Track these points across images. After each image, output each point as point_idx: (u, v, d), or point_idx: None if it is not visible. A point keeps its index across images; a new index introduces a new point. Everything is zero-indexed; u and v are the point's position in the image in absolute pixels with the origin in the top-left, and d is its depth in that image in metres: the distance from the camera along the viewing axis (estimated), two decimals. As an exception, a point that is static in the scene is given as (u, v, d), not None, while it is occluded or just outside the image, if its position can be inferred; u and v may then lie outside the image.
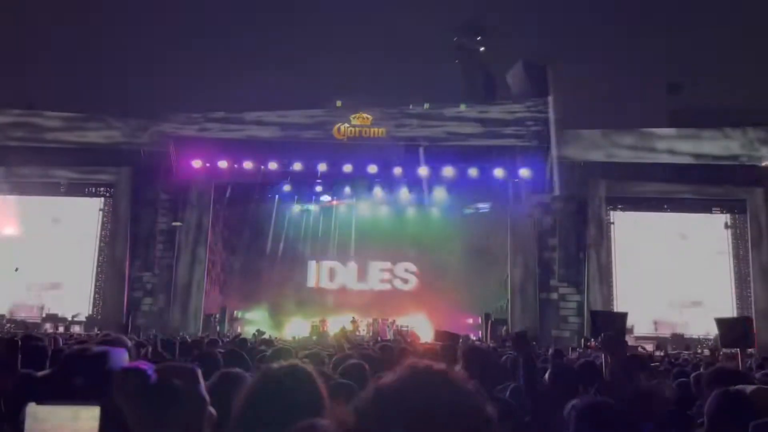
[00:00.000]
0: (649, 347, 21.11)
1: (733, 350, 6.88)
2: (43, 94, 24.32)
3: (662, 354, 11.89)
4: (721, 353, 9.94)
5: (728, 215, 24.18)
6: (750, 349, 15.88)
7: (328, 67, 25.92)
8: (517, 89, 26.68)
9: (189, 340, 12.68)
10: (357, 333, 21.96)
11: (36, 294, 23.61)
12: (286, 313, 22.97)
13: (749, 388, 3.35)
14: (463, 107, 23.90)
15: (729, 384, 3.46)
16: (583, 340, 11.80)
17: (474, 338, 21.44)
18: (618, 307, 23.22)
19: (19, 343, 4.89)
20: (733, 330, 5.99)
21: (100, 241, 24.09)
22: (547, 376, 4.56)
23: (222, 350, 6.27)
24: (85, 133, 23.94)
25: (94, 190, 24.55)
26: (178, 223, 22.37)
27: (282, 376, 1.97)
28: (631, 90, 24.81)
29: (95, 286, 23.79)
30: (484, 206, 24.54)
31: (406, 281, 24.75)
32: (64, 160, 23.57)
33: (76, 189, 24.39)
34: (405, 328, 22.51)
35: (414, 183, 23.65)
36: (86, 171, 23.99)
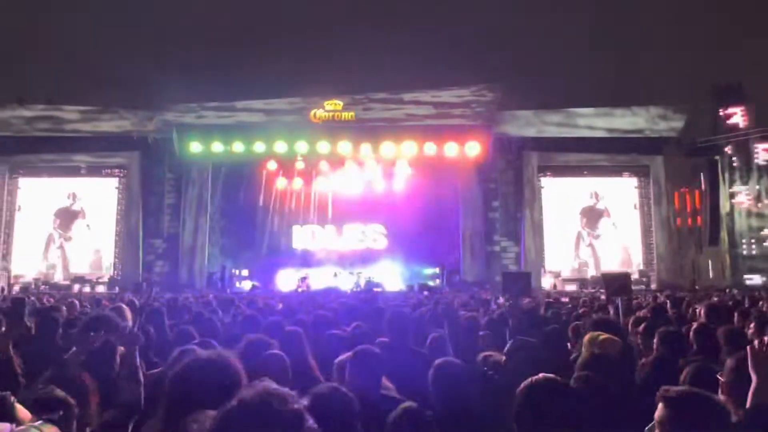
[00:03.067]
0: (574, 287, 21.59)
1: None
2: (61, 90, 23.51)
3: (567, 300, 11.92)
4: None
5: (635, 178, 24.58)
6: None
7: (304, 62, 25.32)
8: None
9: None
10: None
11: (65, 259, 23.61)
12: (276, 270, 22.54)
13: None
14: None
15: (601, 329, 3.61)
16: (493, 298, 11.60)
17: (433, 284, 21.75)
18: (548, 255, 23.77)
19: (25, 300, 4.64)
20: (615, 283, 5.89)
21: (117, 214, 24.03)
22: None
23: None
24: (100, 124, 23.60)
25: (110, 172, 24.43)
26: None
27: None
28: (559, 74, 24.52)
29: (115, 251, 23.87)
30: None
31: (376, 240, 24.32)
32: (83, 147, 23.47)
33: (94, 171, 24.30)
34: (375, 280, 22.35)
35: (380, 159, 23.28)
36: (102, 156, 23.92)
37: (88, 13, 26.95)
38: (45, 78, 25.39)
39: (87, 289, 21.23)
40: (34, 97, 23.69)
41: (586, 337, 3.59)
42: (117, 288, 21.08)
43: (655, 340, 3.84)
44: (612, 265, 22.61)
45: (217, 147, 22.53)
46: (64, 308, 7.80)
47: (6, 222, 23.39)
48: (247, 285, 22.16)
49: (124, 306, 5.20)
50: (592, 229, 24.16)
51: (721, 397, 2.43)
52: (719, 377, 2.51)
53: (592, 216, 24.26)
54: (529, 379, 2.12)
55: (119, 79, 23.37)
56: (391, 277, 22.61)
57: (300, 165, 23.22)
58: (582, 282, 22.21)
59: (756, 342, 2.05)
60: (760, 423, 1.87)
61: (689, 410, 1.86)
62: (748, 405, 1.98)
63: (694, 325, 4.52)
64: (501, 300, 10.43)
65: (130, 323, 4.55)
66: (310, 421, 1.17)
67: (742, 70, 24.26)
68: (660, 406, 1.95)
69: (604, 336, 3.48)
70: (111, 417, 2.52)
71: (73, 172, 23.81)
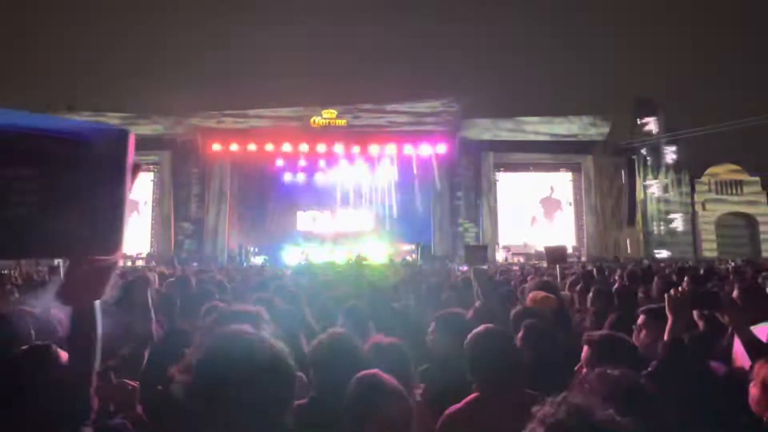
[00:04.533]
0: (521, 258, 21.55)
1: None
2: (105, 99, 22.97)
3: (518, 268, 11.83)
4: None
5: (571, 174, 24.50)
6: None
7: (305, 78, 24.95)
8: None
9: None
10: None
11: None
12: (282, 247, 22.25)
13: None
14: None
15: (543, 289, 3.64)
16: (456, 267, 11.21)
17: (410, 258, 21.74)
18: (501, 234, 23.69)
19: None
20: (555, 253, 5.83)
21: (153, 202, 23.54)
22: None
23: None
24: (137, 128, 22.71)
25: (146, 167, 23.71)
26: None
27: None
28: (511, 89, 24.48)
29: (151, 233, 23.41)
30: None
31: (365, 223, 24.10)
32: None
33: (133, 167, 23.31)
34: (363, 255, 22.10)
35: (367, 157, 22.96)
36: (140, 154, 20.18)
37: (130, 38, 26.25)
38: (92, 88, 24.67)
39: (129, 263, 20.94)
40: (82, 104, 23.19)
41: (530, 295, 3.56)
42: (153, 262, 20.84)
43: (589, 296, 3.87)
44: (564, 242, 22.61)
45: (234, 147, 22.17)
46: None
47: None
48: (258, 259, 21.96)
49: (154, 273, 5.18)
50: (550, 215, 24.09)
51: (635, 339, 2.44)
52: (634, 326, 2.51)
53: (550, 204, 24.21)
54: (476, 330, 2.04)
55: (154, 90, 22.86)
56: (377, 252, 22.50)
57: (302, 162, 22.96)
58: (527, 255, 22.01)
59: (672, 291, 1.98)
60: (675, 353, 1.85)
61: (605, 349, 1.88)
62: (665, 338, 1.93)
63: (616, 285, 4.51)
64: (464, 268, 10.12)
65: (156, 285, 4.51)
66: (276, 344, 1.11)
67: (655, 87, 24.43)
68: (585, 348, 1.97)
69: (542, 294, 3.48)
70: (128, 351, 2.38)
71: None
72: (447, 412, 1.87)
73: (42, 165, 0.77)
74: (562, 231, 23.82)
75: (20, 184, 0.75)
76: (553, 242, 21.78)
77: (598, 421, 0.84)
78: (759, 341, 1.87)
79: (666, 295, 1.97)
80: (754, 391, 1.55)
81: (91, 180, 0.80)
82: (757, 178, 23.98)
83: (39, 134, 0.78)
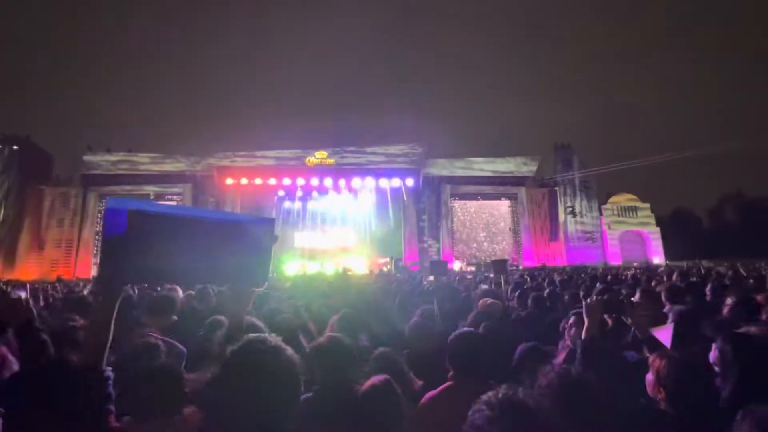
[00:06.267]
0: (473, 268, 21.60)
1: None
2: (137, 142, 22.35)
3: (471, 276, 11.72)
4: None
5: (509, 201, 24.81)
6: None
7: (303, 127, 24.95)
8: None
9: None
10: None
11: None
12: (284, 260, 21.73)
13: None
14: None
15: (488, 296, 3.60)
16: (424, 277, 11.10)
17: (386, 269, 21.58)
18: (456, 249, 23.70)
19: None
20: (499, 265, 5.64)
21: None
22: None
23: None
24: (163, 165, 22.76)
25: (170, 198, 22.81)
26: None
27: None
28: (463, 137, 25.11)
29: None
30: None
31: (350, 240, 23.86)
32: (151, 181, 22.51)
33: (159, 197, 22.81)
34: (348, 266, 21.87)
35: (351, 189, 22.90)
36: (164, 187, 22.77)
37: (158, 93, 25.83)
38: (126, 134, 24.10)
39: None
40: (119, 146, 22.87)
41: (480, 302, 3.54)
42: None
43: (529, 301, 3.80)
44: (504, 253, 22.93)
45: (244, 181, 21.91)
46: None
47: (99, 233, 21.92)
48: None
49: (178, 288, 4.92)
50: (491, 234, 24.35)
51: (567, 334, 2.46)
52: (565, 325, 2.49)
53: (488, 225, 24.47)
54: (455, 332, 1.99)
55: (178, 134, 22.43)
56: (358, 264, 22.24)
57: (299, 193, 22.74)
58: (477, 265, 22.15)
59: (588, 299, 2.01)
60: (590, 346, 1.84)
61: (526, 355, 1.85)
62: (582, 337, 1.94)
63: (547, 290, 4.49)
64: (431, 278, 10.13)
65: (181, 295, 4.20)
66: (288, 351, 1.07)
67: (572, 134, 25.57)
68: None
69: (491, 300, 3.48)
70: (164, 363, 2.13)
71: (144, 198, 22.50)
72: (426, 396, 1.80)
73: (230, 238, 1.14)
74: (501, 245, 24.10)
75: (220, 248, 1.12)
76: (496, 255, 22.77)
77: (520, 402, 0.92)
78: (653, 337, 1.91)
79: (584, 303, 2.01)
80: (649, 377, 1.56)
81: (254, 247, 1.17)
82: (648, 204, 25.15)
83: (229, 222, 1.16)
